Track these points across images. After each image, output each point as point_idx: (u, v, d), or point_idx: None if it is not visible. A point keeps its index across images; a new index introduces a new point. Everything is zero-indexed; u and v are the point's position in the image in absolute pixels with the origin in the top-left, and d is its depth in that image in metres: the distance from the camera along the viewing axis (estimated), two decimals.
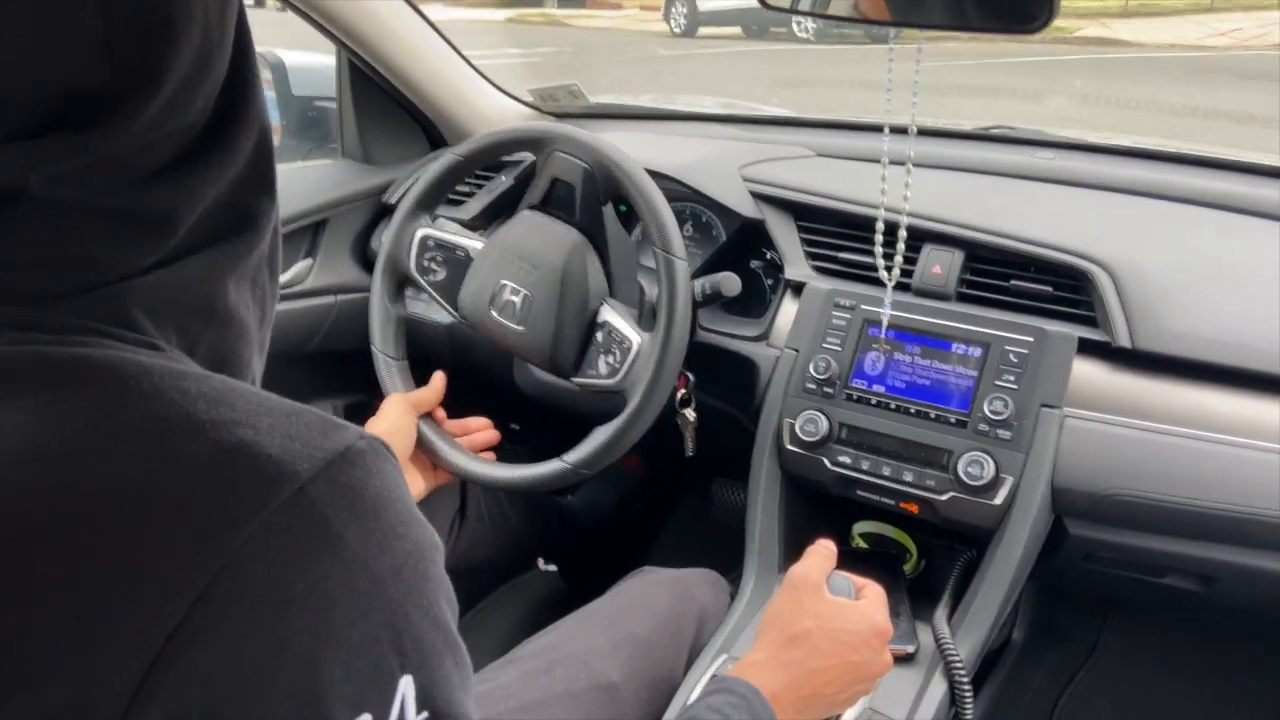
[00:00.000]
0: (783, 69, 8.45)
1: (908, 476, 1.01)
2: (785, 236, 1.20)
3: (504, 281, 1.08)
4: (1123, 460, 0.95)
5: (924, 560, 1.13)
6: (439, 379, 1.13)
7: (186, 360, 0.40)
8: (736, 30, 10.31)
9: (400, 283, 1.17)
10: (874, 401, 1.04)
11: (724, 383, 1.18)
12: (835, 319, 1.10)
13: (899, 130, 0.89)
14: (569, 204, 1.07)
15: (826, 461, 1.05)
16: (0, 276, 0.36)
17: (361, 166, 1.58)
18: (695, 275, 1.11)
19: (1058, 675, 1.44)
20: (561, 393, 1.25)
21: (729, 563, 1.17)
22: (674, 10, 10.66)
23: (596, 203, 1.06)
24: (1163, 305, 0.99)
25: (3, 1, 0.33)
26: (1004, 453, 0.97)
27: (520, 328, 1.07)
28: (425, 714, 0.36)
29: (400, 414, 1.07)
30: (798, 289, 1.16)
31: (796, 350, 1.11)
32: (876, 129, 1.43)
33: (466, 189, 1.43)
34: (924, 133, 0.89)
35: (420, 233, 1.15)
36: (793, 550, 1.03)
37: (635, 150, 1.07)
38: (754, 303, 1.23)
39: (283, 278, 1.01)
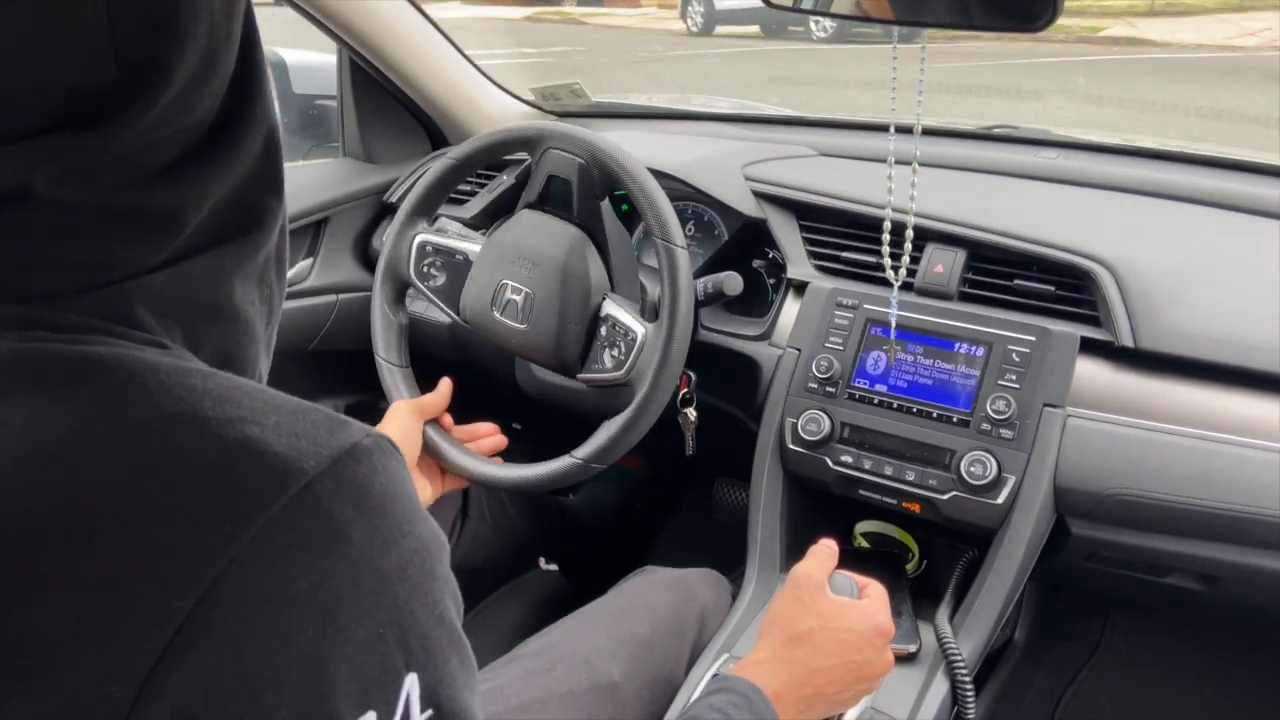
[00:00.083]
0: (797, 68, 8.33)
1: (910, 476, 1.01)
2: (787, 236, 1.20)
3: (505, 281, 1.08)
4: (1125, 460, 0.95)
5: (926, 560, 1.13)
6: (445, 385, 1.12)
7: (192, 358, 0.40)
8: (754, 29, 10.10)
9: (401, 290, 1.17)
10: (876, 401, 1.04)
11: (726, 382, 1.18)
12: (837, 318, 1.09)
13: (904, 130, 0.89)
14: (566, 201, 1.07)
15: (829, 461, 1.05)
16: (6, 275, 0.36)
17: (363, 165, 1.58)
18: (697, 275, 1.11)
19: (1060, 674, 1.44)
20: (563, 392, 1.25)
21: (731, 562, 1.17)
22: (690, 9, 10.48)
23: (593, 197, 1.05)
24: (1166, 305, 0.98)
25: (8, 1, 0.32)
26: (1006, 452, 0.97)
27: (523, 326, 1.07)
28: (430, 712, 0.36)
29: (405, 420, 1.06)
30: (800, 288, 1.16)
31: (799, 350, 1.10)
32: (879, 128, 1.43)
33: (468, 188, 1.43)
34: (927, 132, 0.89)
35: (418, 239, 1.14)
36: (795, 549, 1.03)
37: (637, 149, 1.07)
38: (756, 302, 1.23)
39: None
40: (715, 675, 0.90)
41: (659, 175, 1.06)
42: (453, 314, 1.14)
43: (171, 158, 0.38)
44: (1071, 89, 6.61)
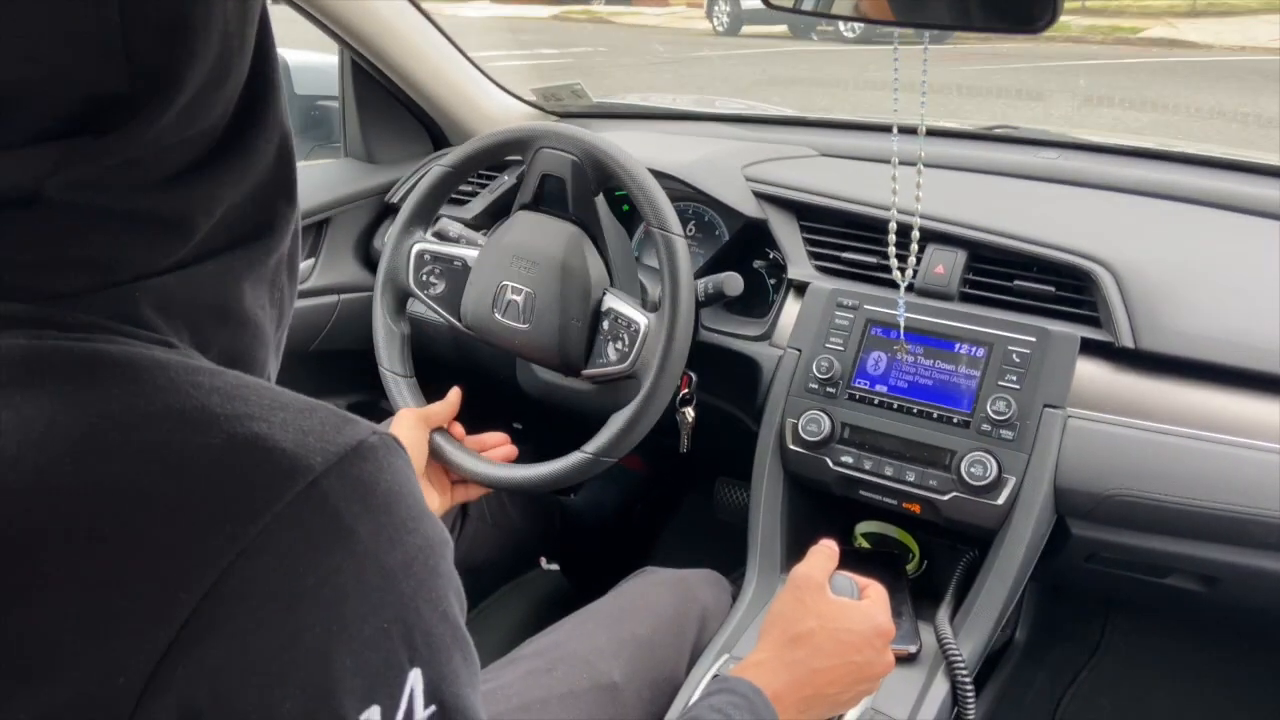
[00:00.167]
0: (823, 70, 8.18)
1: (910, 476, 1.01)
2: (788, 236, 1.20)
3: (505, 282, 1.08)
4: (1125, 460, 0.95)
5: (926, 560, 1.13)
6: (455, 395, 1.11)
7: (199, 357, 0.40)
8: (781, 29, 9.90)
9: (401, 299, 1.16)
10: (876, 401, 1.04)
11: (727, 382, 1.18)
12: (838, 319, 1.10)
13: (907, 130, 0.89)
14: (561, 199, 1.07)
15: (829, 461, 1.05)
16: (16, 276, 0.36)
17: (364, 166, 1.58)
18: (698, 275, 1.11)
19: (1060, 675, 1.44)
20: (564, 391, 1.25)
21: (731, 563, 1.17)
22: (716, 8, 10.32)
23: (589, 193, 1.06)
24: (1166, 305, 0.99)
25: (22, 5, 0.33)
26: (1007, 453, 0.97)
27: (525, 326, 1.07)
28: (433, 708, 0.36)
29: (411, 429, 1.05)
30: (800, 289, 1.16)
31: (799, 350, 1.11)
32: (880, 129, 1.43)
33: (469, 188, 1.43)
34: (929, 132, 0.89)
35: (416, 248, 1.14)
36: (795, 550, 1.03)
37: (638, 150, 1.07)
38: (756, 302, 1.23)
39: None
40: (716, 676, 0.90)
41: (659, 176, 1.06)
42: (454, 321, 1.14)
43: (183, 163, 0.38)
44: (1113, 95, 6.30)
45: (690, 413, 1.14)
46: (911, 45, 0.82)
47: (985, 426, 0.98)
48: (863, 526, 1.16)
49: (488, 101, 1.60)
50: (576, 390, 1.22)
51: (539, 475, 1.06)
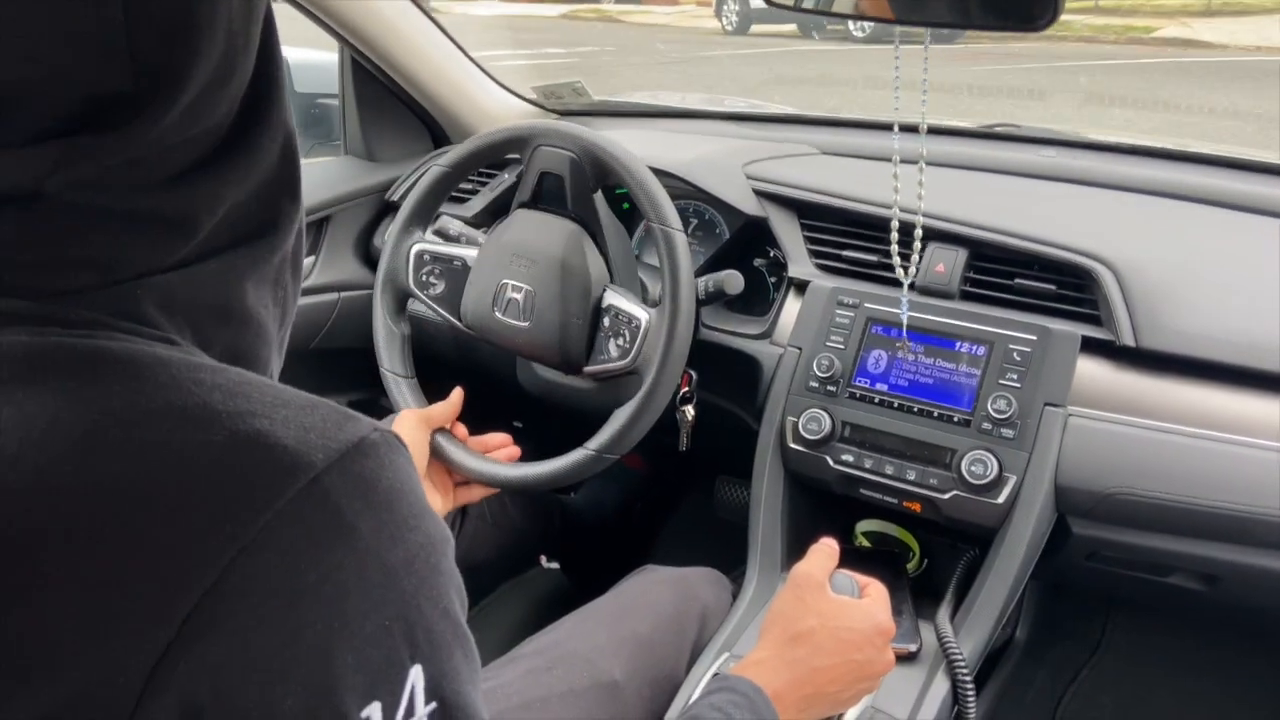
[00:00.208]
0: (831, 69, 8.10)
1: (911, 475, 1.01)
2: (789, 234, 1.20)
3: (505, 281, 1.08)
4: (1126, 459, 0.95)
5: (927, 559, 1.13)
6: (457, 395, 1.11)
7: (201, 355, 0.40)
8: (790, 28, 9.77)
9: (401, 300, 1.16)
10: (877, 400, 1.04)
11: (727, 381, 1.18)
12: (838, 317, 1.10)
13: (909, 128, 0.89)
14: (559, 196, 1.07)
15: (829, 460, 1.05)
16: (18, 273, 0.36)
17: (364, 163, 1.58)
18: (698, 273, 1.11)
19: (1061, 674, 1.44)
20: (564, 390, 1.25)
21: (731, 561, 1.17)
22: (725, 7, 10.24)
23: (587, 190, 1.05)
24: (1167, 304, 0.98)
25: (22, 4, 0.32)
26: (1007, 451, 0.97)
27: (526, 324, 1.07)
28: (434, 704, 0.36)
29: (412, 430, 1.04)
30: (801, 287, 1.16)
31: (799, 348, 1.10)
32: (880, 127, 1.43)
33: (469, 186, 1.43)
34: (930, 130, 0.89)
35: (415, 248, 1.14)
36: (796, 548, 1.03)
37: (638, 148, 1.07)
38: (757, 301, 1.23)
39: None
40: (716, 674, 0.90)
41: (660, 174, 1.06)
42: (455, 320, 1.14)
43: (187, 163, 0.38)
44: (1125, 95, 6.20)
45: (690, 411, 1.14)
46: (915, 45, 0.82)
47: (986, 425, 0.98)
48: (863, 525, 1.16)
49: (488, 99, 1.60)
50: (577, 388, 1.22)
51: (541, 473, 1.05)
